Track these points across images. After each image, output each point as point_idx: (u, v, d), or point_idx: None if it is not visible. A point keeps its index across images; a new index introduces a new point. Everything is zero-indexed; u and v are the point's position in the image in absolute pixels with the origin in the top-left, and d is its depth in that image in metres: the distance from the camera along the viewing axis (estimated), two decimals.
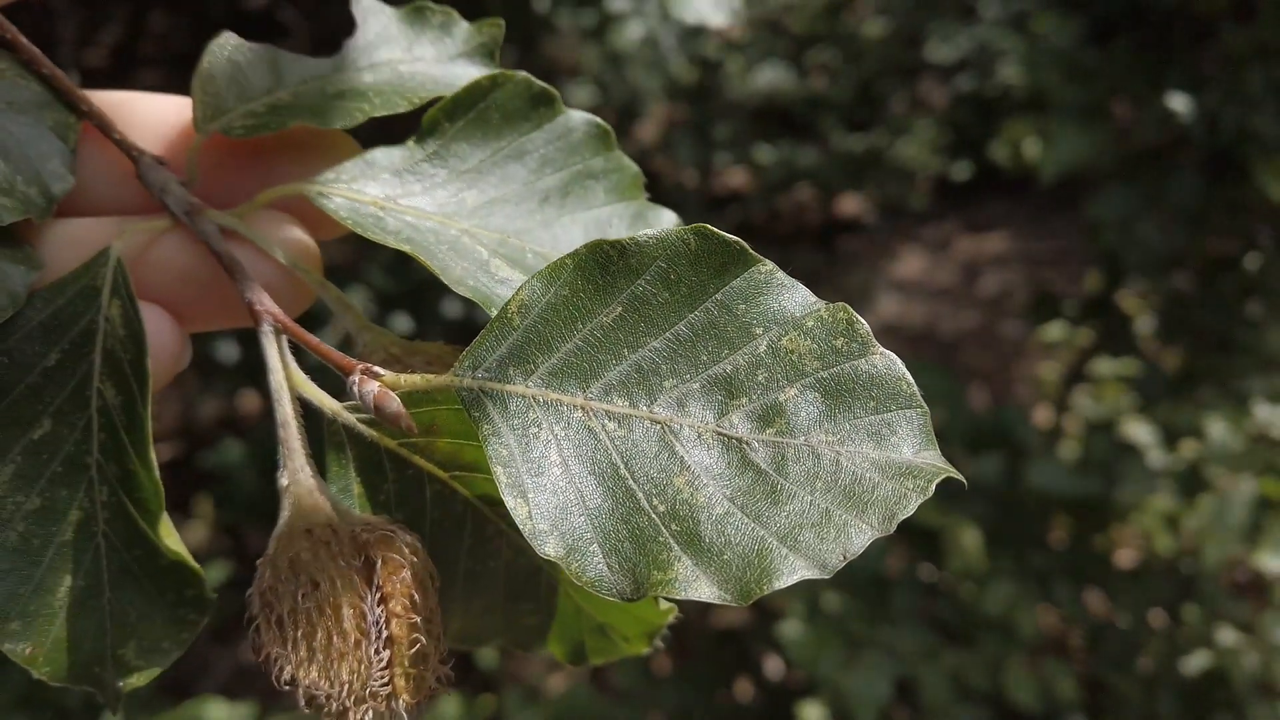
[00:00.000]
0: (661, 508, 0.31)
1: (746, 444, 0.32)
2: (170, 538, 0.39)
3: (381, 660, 0.35)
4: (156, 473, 0.39)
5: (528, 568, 0.44)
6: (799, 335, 0.33)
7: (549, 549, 0.31)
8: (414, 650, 0.35)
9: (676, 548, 0.31)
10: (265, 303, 0.39)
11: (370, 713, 0.35)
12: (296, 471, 0.38)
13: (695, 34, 3.08)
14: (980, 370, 3.50)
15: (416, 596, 0.36)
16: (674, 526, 0.31)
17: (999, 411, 2.01)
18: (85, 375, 0.38)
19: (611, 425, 0.32)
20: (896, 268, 4.02)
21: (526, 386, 0.33)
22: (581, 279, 0.33)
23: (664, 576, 0.30)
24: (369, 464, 0.41)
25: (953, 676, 1.95)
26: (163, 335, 0.43)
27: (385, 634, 0.35)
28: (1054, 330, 2.59)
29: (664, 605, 0.43)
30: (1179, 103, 1.89)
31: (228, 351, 2.54)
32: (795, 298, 0.34)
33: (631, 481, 0.32)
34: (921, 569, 2.02)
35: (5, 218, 0.38)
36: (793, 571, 0.31)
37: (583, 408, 0.33)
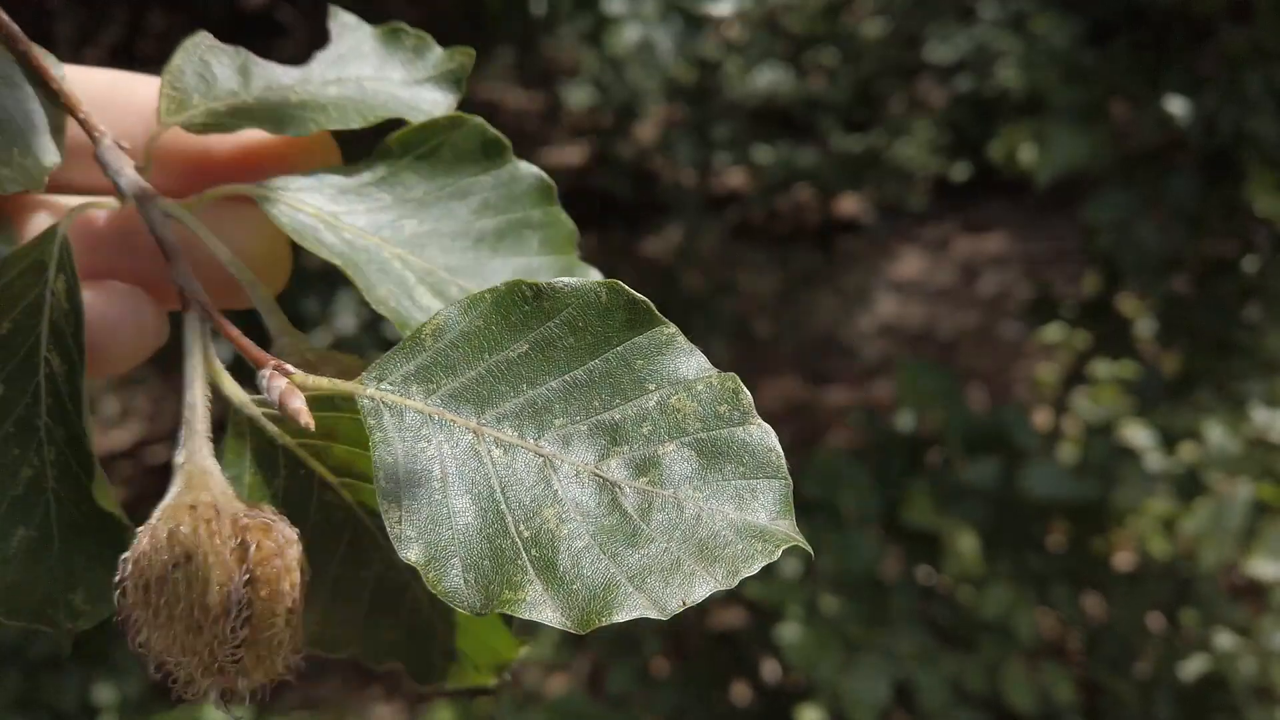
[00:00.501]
0: (526, 534, 0.33)
1: (619, 488, 0.34)
2: (106, 498, 0.41)
3: (237, 639, 0.36)
4: (91, 438, 0.41)
5: (396, 583, 0.45)
6: (687, 397, 0.35)
7: (411, 555, 0.33)
8: (270, 635, 0.37)
9: (532, 572, 0.33)
10: (194, 289, 0.42)
11: (216, 686, 0.37)
12: (194, 452, 0.40)
13: (693, 35, 3.07)
14: (979, 371, 3.49)
15: (284, 586, 0.37)
16: (534, 552, 0.33)
17: (997, 413, 2.01)
18: (34, 344, 0.41)
19: (497, 452, 0.35)
20: (895, 268, 4.02)
21: (425, 403, 0.35)
22: (497, 314, 0.36)
23: (514, 596, 0.32)
24: (265, 458, 0.43)
25: (951, 680, 1.95)
26: (141, 313, 0.45)
27: (246, 614, 0.36)
28: (1052, 332, 2.58)
29: (514, 641, 0.46)
30: (1176, 105, 1.89)
31: (222, 353, 2.53)
32: (691, 362, 0.36)
33: (504, 506, 0.34)
34: (919, 572, 2.01)
35: (8, 187, 0.41)
36: (633, 609, 0.33)
37: (474, 431, 0.35)
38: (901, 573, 2.00)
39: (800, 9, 4.26)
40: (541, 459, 0.35)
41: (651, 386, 0.35)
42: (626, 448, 0.35)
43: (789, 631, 1.93)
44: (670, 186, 4.09)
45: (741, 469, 0.35)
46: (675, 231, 4.08)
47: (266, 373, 0.39)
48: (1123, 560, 2.25)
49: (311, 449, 0.43)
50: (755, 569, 0.33)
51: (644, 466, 0.35)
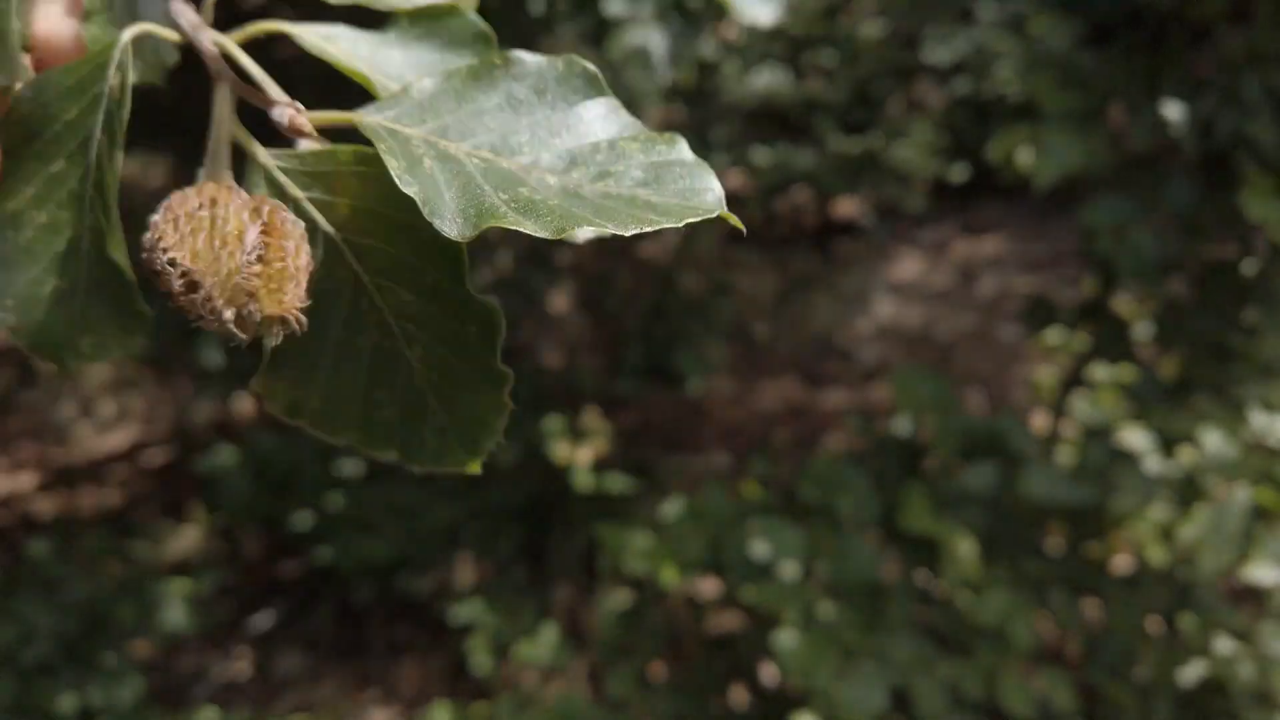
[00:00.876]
0: (504, 196, 0.39)
1: (580, 185, 0.41)
2: (124, 260, 0.47)
3: (253, 268, 0.42)
4: (118, 207, 0.47)
5: (391, 353, 0.49)
6: (632, 141, 0.42)
7: (412, 190, 0.39)
8: (280, 268, 0.43)
9: (511, 213, 0.39)
10: (226, 72, 0.48)
11: (232, 306, 0.42)
12: (216, 170, 0.46)
13: (691, 38, 3.06)
14: (977, 373, 3.49)
15: (290, 242, 0.43)
16: (512, 205, 0.39)
17: (994, 418, 2.00)
18: (90, 130, 0.48)
19: (478, 162, 0.41)
20: (893, 270, 4.01)
21: (418, 130, 0.42)
22: (471, 77, 0.43)
23: (495, 220, 0.38)
24: None
25: (948, 686, 1.94)
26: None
27: (260, 252, 0.42)
28: (1051, 335, 2.58)
29: (504, 402, 0.50)
30: (1172, 110, 1.88)
31: (215, 358, 2.53)
32: (633, 121, 0.43)
33: (486, 186, 0.40)
34: (917, 577, 2.01)
35: None
36: (598, 227, 0.39)
37: (461, 151, 0.42)
38: (899, 578, 1.99)
39: (798, 10, 4.25)
40: (516, 166, 0.41)
41: (602, 135, 0.42)
42: (585, 168, 0.41)
43: (785, 638, 1.92)
44: None
45: (684, 178, 0.41)
46: (672, 233, 4.08)
47: (279, 109, 0.45)
48: (1121, 564, 2.24)
49: (319, 203, 0.47)
50: (698, 218, 0.39)
51: (601, 176, 0.41)
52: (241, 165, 0.48)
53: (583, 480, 2.57)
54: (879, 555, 1.98)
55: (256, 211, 0.43)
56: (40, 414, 3.21)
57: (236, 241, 0.42)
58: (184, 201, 0.44)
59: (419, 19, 0.53)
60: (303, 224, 0.44)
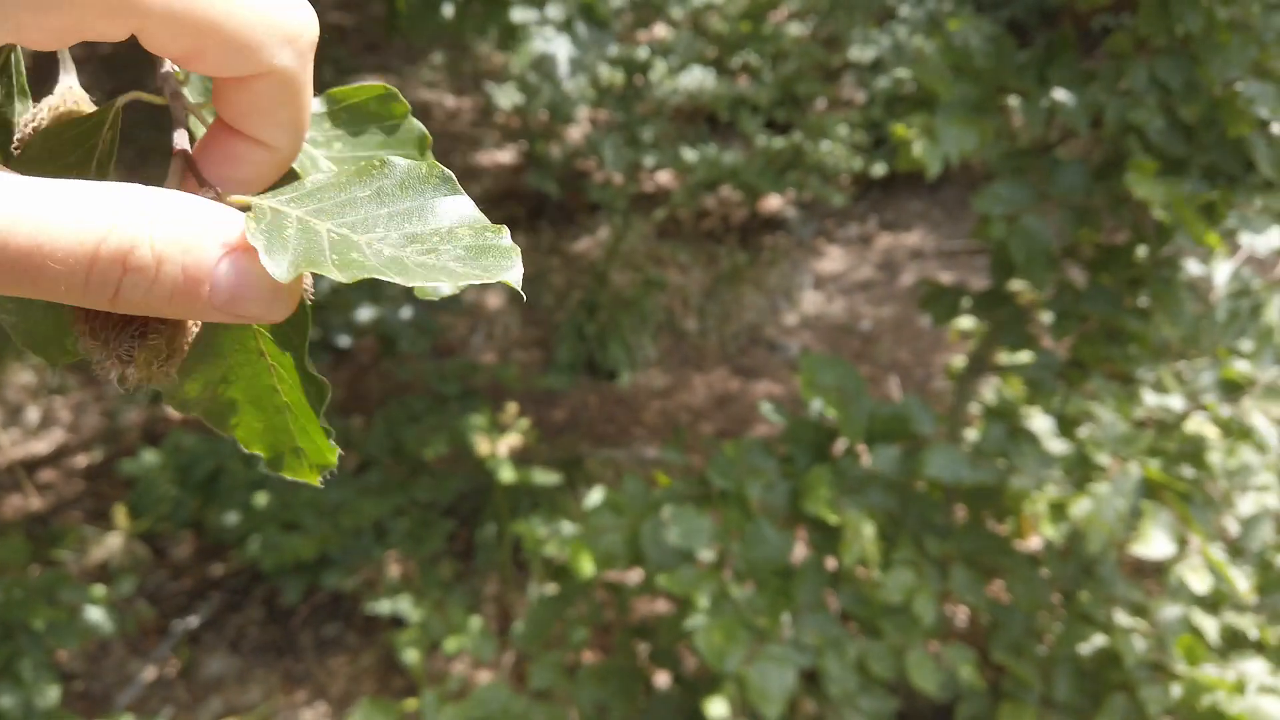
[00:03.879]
0: (335, 257, 0.44)
1: (406, 256, 0.46)
2: None
3: (134, 344, 0.46)
4: None
5: (267, 385, 0.57)
6: (467, 228, 0.47)
7: (259, 241, 0.42)
8: (163, 344, 0.47)
9: (328, 264, 0.43)
10: (181, 141, 0.53)
11: (114, 368, 0.45)
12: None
13: (601, 44, 3.10)
14: (899, 362, 3.55)
15: (183, 323, 0.48)
16: (334, 261, 0.44)
17: (898, 403, 2.05)
18: (84, 174, 0.54)
19: (335, 235, 0.46)
20: (818, 264, 4.07)
21: (295, 210, 0.47)
22: (356, 174, 0.49)
23: (310, 268, 0.42)
24: None
25: (857, 665, 1.99)
26: None
27: (142, 331, 0.46)
28: (965, 322, 2.64)
29: (333, 448, 0.57)
30: (1062, 95, 1.94)
31: None
32: (474, 213, 0.48)
33: (326, 249, 0.44)
34: (826, 559, 2.05)
35: None
36: (386, 277, 0.43)
37: (319, 226, 0.46)
38: (808, 561, 2.04)
39: (724, 9, 4.30)
40: (362, 240, 0.46)
41: (445, 223, 0.47)
42: (420, 245, 0.47)
43: (697, 622, 1.96)
44: (599, 186, 4.11)
45: (494, 257, 0.46)
46: (605, 231, 4.11)
47: (203, 192, 0.48)
48: (1033, 544, 2.30)
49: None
50: (479, 282, 0.44)
51: (428, 251, 0.46)
52: None
53: (506, 474, 2.59)
54: (788, 539, 2.02)
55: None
56: None
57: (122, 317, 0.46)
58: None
59: (360, 117, 0.61)
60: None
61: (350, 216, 0.48)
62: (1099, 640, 2.02)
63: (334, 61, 4.95)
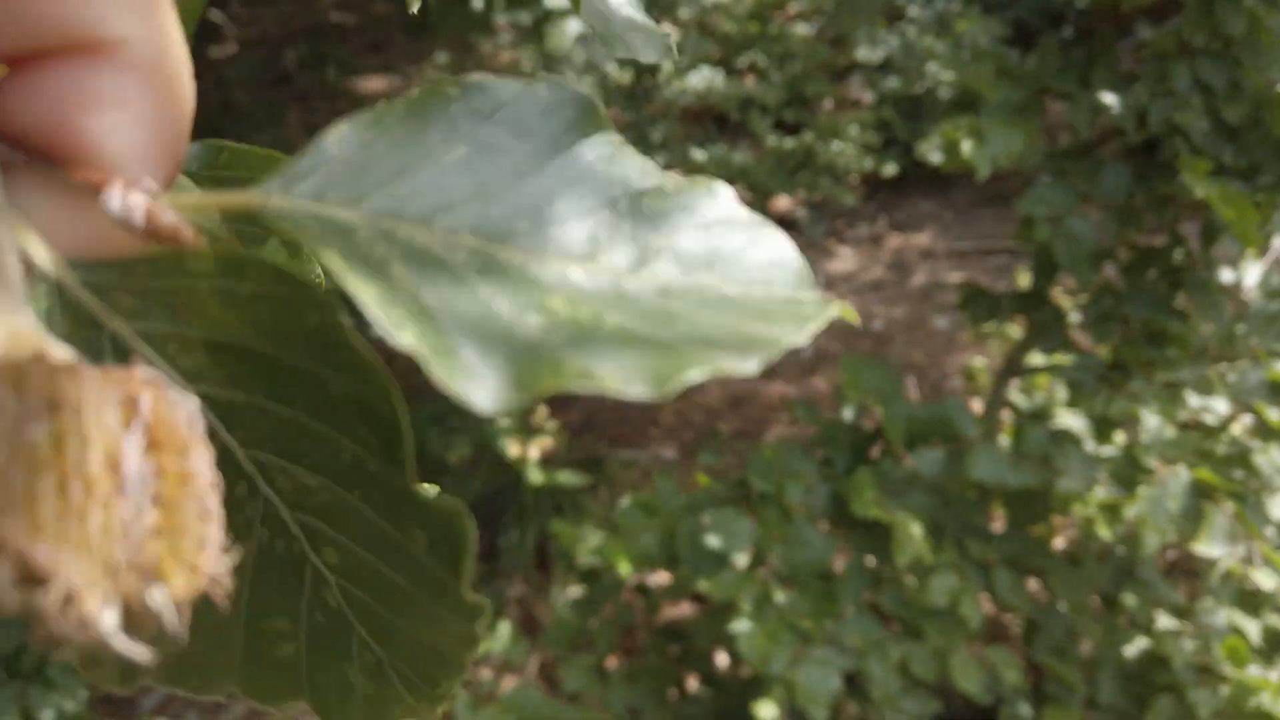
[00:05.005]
0: (535, 321, 0.26)
1: (621, 280, 0.28)
2: None
3: (142, 526, 0.23)
4: None
5: (289, 559, 0.32)
6: (659, 197, 0.31)
7: (406, 338, 0.24)
8: (188, 515, 0.24)
9: (573, 357, 0.25)
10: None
11: (113, 600, 0.22)
12: (9, 310, 0.25)
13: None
14: (912, 362, 3.55)
15: (194, 454, 0.24)
16: (555, 338, 0.26)
17: (939, 405, 2.04)
18: None
19: (464, 254, 0.27)
20: (829, 264, 4.07)
21: (355, 213, 0.27)
22: (416, 119, 0.29)
23: (558, 380, 0.25)
24: (84, 353, 0.28)
25: (900, 668, 1.98)
26: None
27: (151, 492, 0.24)
28: (986, 324, 2.64)
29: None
30: (1109, 97, 1.94)
31: None
32: (650, 167, 0.32)
33: (504, 306, 0.26)
34: (867, 561, 2.04)
35: None
36: (707, 366, 0.26)
37: (428, 234, 0.28)
38: (850, 563, 2.03)
39: (730, 9, 4.30)
40: (522, 258, 0.28)
41: (618, 191, 0.30)
42: (613, 246, 0.29)
43: (741, 626, 1.95)
44: None
45: (748, 245, 0.31)
46: None
47: (115, 192, 0.26)
48: (1059, 545, 2.30)
49: (157, 340, 0.28)
50: (815, 322, 0.29)
51: (641, 260, 0.29)
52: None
53: (534, 476, 2.57)
54: (831, 542, 2.02)
55: (129, 404, 0.24)
56: None
57: (111, 484, 0.23)
58: None
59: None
60: (194, 400, 0.25)
61: (456, 206, 0.29)
62: (1141, 643, 2.02)
63: (338, 61, 4.92)
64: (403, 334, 0.24)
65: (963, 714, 2.26)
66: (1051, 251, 1.97)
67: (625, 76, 4.15)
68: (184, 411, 0.24)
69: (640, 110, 4.10)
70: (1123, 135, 2.04)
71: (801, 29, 4.38)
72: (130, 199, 0.26)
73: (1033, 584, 2.13)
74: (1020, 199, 1.94)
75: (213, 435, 0.28)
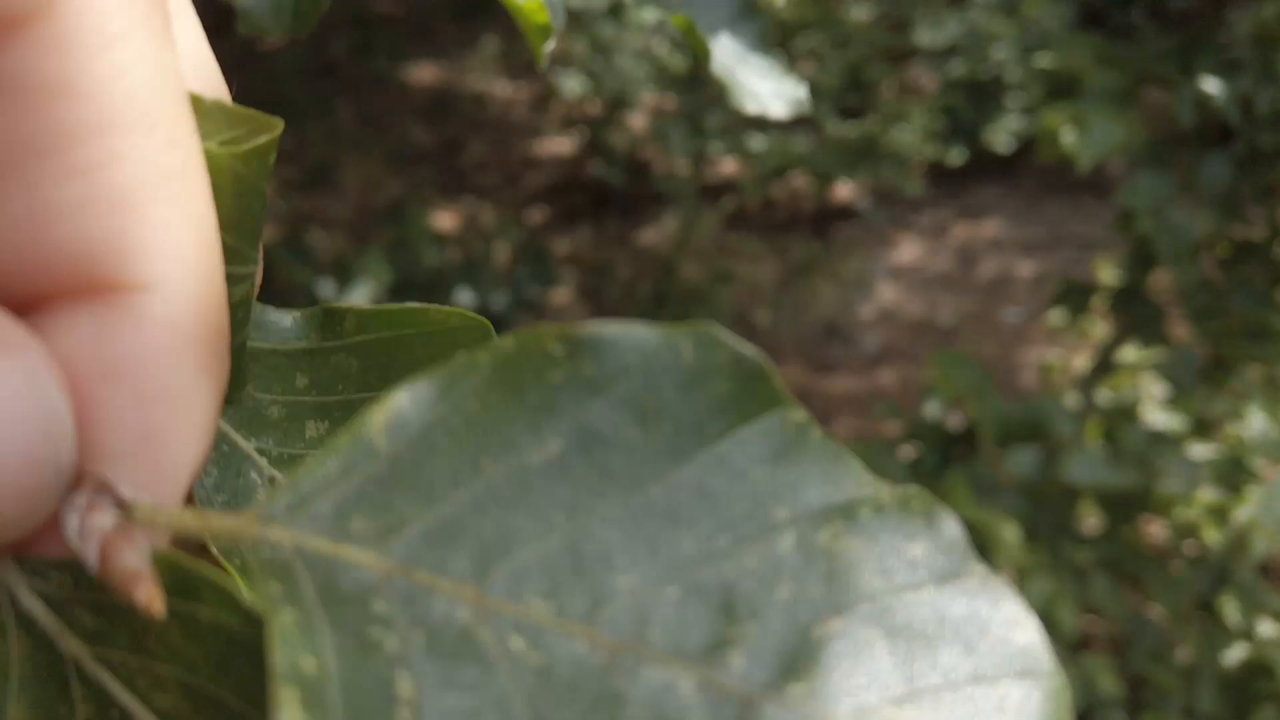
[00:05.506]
0: None
1: (757, 707, 0.19)
2: None
3: None
4: None
5: None
6: (849, 530, 0.21)
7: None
8: None
9: None
10: None
11: None
12: None
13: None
14: (983, 357, 3.48)
15: None
16: None
17: (1034, 403, 1.98)
18: None
19: (519, 642, 0.19)
20: (893, 254, 4.00)
21: (380, 555, 0.19)
22: (500, 389, 0.21)
23: None
24: (46, 679, 0.23)
25: None
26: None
27: None
28: (1057, 317, 2.57)
29: None
30: (1212, 85, 1.87)
31: None
32: (842, 470, 0.22)
33: None
34: None
35: None
36: None
37: (474, 604, 0.19)
38: None
39: None
40: (605, 655, 0.19)
41: (783, 514, 0.21)
42: (755, 628, 0.20)
43: None
44: (664, 176, 4.05)
45: (972, 660, 0.20)
46: (671, 221, 4.05)
47: (76, 504, 0.20)
48: (1159, 549, 2.24)
49: (125, 672, 0.22)
50: None
51: (795, 662, 0.20)
52: None
53: None
54: None
55: None
56: None
57: None
58: None
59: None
60: None
61: (531, 545, 0.20)
62: (1242, 650, 1.95)
63: (387, 49, 4.89)
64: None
65: None
66: (1151, 244, 1.91)
67: (679, 62, 4.10)
68: None
69: (697, 96, 4.05)
70: (1223, 123, 1.96)
71: (860, 13, 4.30)
72: (91, 521, 0.20)
73: (1129, 591, 2.07)
74: (1120, 190, 1.88)
75: None
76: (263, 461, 0.28)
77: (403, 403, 0.20)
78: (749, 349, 0.22)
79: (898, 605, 0.20)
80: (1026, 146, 3.95)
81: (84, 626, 0.22)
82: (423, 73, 4.99)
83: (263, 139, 0.24)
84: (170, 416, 0.20)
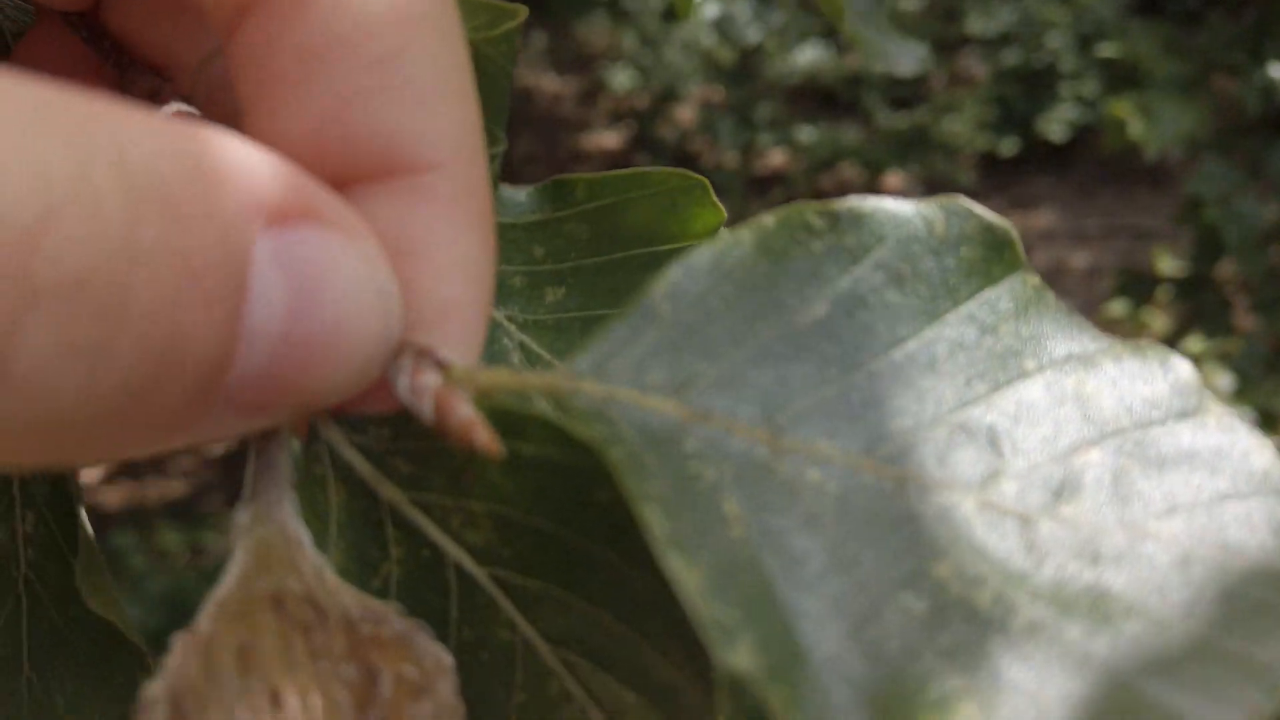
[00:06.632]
0: (919, 606, 0.19)
1: (1034, 524, 0.21)
2: (101, 596, 0.27)
3: None
4: (81, 501, 0.27)
5: None
6: (1092, 376, 0.23)
7: (739, 656, 0.18)
8: None
9: (953, 675, 0.18)
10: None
11: None
12: (272, 507, 0.22)
13: (769, 8, 3.04)
14: None
15: None
16: (944, 639, 0.19)
17: None
18: None
19: (815, 474, 0.21)
20: None
21: (680, 403, 0.21)
22: (767, 261, 0.23)
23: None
24: (361, 524, 0.25)
25: None
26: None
27: None
28: (1116, 307, 2.55)
29: None
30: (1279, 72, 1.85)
31: None
32: (1079, 325, 0.24)
33: (858, 563, 0.20)
34: None
35: None
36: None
37: (768, 444, 0.21)
38: None
39: None
40: (891, 484, 0.21)
41: (1031, 364, 0.23)
42: (1020, 461, 0.22)
43: None
44: (713, 168, 4.05)
45: (1218, 481, 0.22)
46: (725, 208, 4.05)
47: (404, 365, 0.22)
48: None
49: (436, 511, 0.24)
50: None
51: (1060, 489, 0.21)
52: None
53: None
54: None
55: (365, 686, 0.21)
56: None
57: None
58: (207, 697, 0.20)
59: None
60: (447, 657, 0.21)
61: (807, 394, 0.22)
62: None
63: None
64: (735, 650, 0.18)
65: None
66: (1217, 233, 1.89)
67: (727, 54, 4.10)
68: (434, 683, 0.21)
69: (746, 88, 4.04)
70: None
71: (911, 2, 4.28)
72: (420, 380, 0.22)
73: None
74: (1188, 179, 1.86)
75: (512, 627, 0.25)
76: (511, 328, 0.30)
77: (678, 274, 0.23)
78: (997, 218, 0.24)
79: (1145, 438, 0.22)
80: (1080, 136, 3.92)
81: (400, 474, 0.24)
82: None
83: (510, 24, 0.26)
84: (466, 287, 0.22)
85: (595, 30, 4.75)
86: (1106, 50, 2.05)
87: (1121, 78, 1.96)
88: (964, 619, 0.19)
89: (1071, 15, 3.83)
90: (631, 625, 0.24)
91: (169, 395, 0.17)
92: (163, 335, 0.16)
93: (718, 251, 0.23)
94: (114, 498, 2.92)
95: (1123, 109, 1.77)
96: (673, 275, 0.23)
